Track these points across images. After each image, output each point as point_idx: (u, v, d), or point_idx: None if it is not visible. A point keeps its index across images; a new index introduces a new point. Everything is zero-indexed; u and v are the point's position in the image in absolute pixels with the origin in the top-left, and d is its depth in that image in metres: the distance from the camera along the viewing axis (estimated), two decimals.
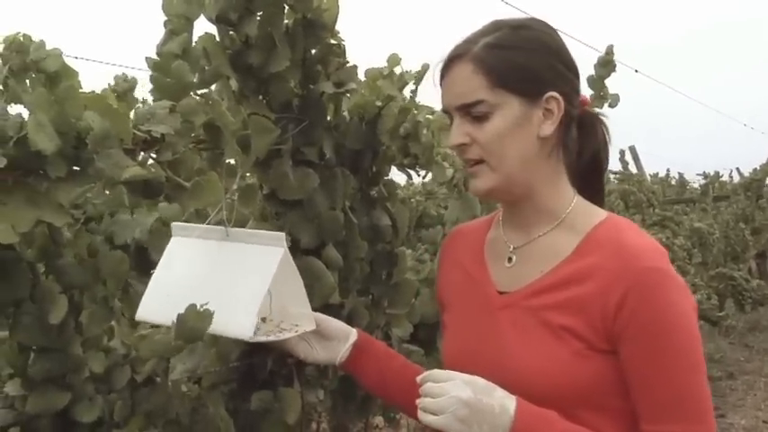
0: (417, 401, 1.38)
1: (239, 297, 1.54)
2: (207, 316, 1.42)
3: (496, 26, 1.49)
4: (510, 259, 1.55)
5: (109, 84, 1.82)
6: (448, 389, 1.34)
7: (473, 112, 1.44)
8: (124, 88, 1.61)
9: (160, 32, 1.56)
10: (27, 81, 1.22)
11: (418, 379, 1.41)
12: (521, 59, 1.46)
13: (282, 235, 1.59)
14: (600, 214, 1.52)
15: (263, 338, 1.56)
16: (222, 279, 1.58)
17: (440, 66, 1.51)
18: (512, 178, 1.47)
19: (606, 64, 3.21)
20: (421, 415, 1.37)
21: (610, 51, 3.23)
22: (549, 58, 1.48)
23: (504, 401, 1.35)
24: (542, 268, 1.48)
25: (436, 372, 1.40)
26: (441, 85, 1.51)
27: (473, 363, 1.48)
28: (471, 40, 1.48)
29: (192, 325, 1.43)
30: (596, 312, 1.39)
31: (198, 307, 1.41)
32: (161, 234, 1.64)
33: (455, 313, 1.63)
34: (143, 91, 1.55)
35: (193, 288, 1.46)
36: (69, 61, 1.27)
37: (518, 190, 1.50)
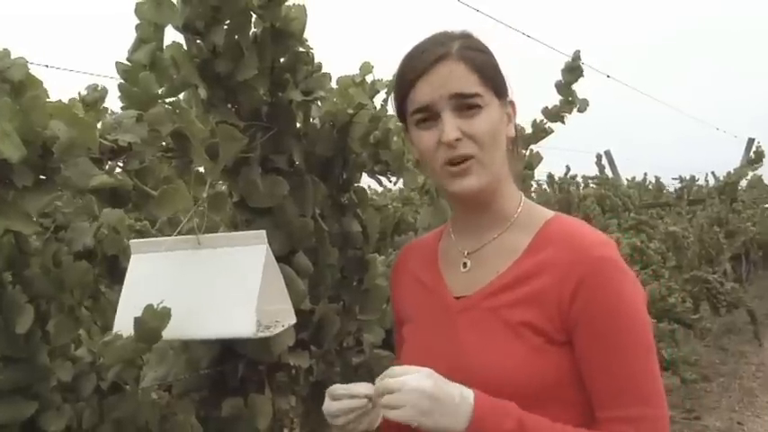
0: (381, 400, 1.39)
1: (231, 298, 1.56)
2: (165, 315, 1.43)
3: (452, 35, 1.52)
4: (465, 264, 1.58)
5: (79, 93, 1.83)
6: (407, 381, 1.36)
7: (468, 103, 1.46)
8: (95, 98, 1.61)
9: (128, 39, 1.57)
10: None
11: (377, 381, 1.42)
12: (494, 63, 1.52)
13: (263, 233, 1.61)
14: (547, 213, 1.57)
15: (265, 333, 1.58)
16: (204, 285, 1.60)
17: (419, 67, 1.49)
18: (496, 175, 1.51)
19: (573, 70, 3.23)
20: (384, 411, 1.39)
21: (576, 57, 3.25)
22: (500, 65, 1.54)
23: (463, 390, 1.38)
24: (498, 269, 1.52)
25: (393, 368, 1.42)
26: (416, 85, 1.49)
27: (438, 371, 1.49)
28: (443, 43, 1.50)
29: (151, 325, 1.43)
30: (552, 304, 1.43)
31: (155, 307, 1.42)
32: (114, 240, 1.65)
33: (413, 325, 1.64)
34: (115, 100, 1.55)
35: (173, 298, 1.46)
36: (42, 70, 1.27)
37: (494, 189, 1.53)
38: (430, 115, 1.49)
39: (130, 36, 1.52)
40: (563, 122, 3.23)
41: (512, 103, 1.55)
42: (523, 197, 1.59)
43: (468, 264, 1.58)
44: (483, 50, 1.52)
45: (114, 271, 1.82)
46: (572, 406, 1.44)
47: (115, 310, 1.64)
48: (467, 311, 1.52)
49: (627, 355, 1.40)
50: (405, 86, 1.52)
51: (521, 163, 1.66)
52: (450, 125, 1.45)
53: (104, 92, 1.88)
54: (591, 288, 1.40)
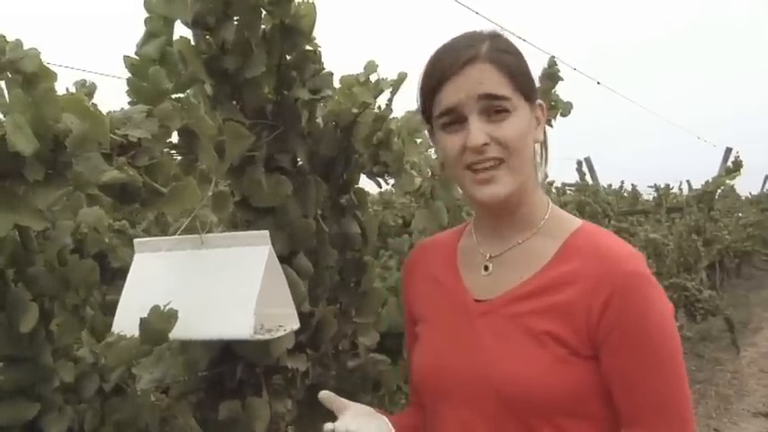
0: None
1: (231, 299, 1.54)
2: (171, 317, 1.40)
3: (481, 36, 1.48)
4: (486, 268, 1.54)
5: (67, 88, 1.80)
6: None
7: (497, 106, 1.41)
8: (83, 93, 1.58)
9: (132, 38, 1.53)
10: (2, 82, 1.18)
11: None
12: (523, 65, 1.48)
13: (266, 233, 1.59)
14: (575, 221, 1.53)
15: (264, 336, 1.56)
16: (205, 285, 1.57)
17: (447, 68, 1.45)
18: (523, 182, 1.47)
19: (551, 76, 3.23)
20: None
21: (552, 63, 3.25)
22: (529, 67, 1.51)
23: None
24: (522, 275, 1.48)
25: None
26: (443, 87, 1.45)
27: (453, 373, 1.47)
28: (472, 44, 1.45)
29: (157, 327, 1.40)
30: (580, 317, 1.39)
31: (162, 308, 1.39)
32: (95, 240, 1.62)
33: (429, 324, 1.60)
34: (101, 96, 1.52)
35: (173, 298, 1.44)
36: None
37: (521, 195, 1.49)
38: (457, 118, 1.44)
39: (131, 36, 1.49)
40: (551, 126, 3.24)
41: (541, 106, 1.51)
42: (551, 204, 1.56)
43: (491, 267, 1.54)
44: (512, 52, 1.48)
45: (102, 271, 1.78)
46: (592, 420, 1.41)
47: (106, 311, 1.61)
48: (487, 316, 1.49)
49: (656, 373, 1.38)
50: (431, 88, 1.47)
51: (547, 167, 1.62)
52: (478, 129, 1.41)
53: (93, 88, 1.84)
54: (621, 303, 1.37)
